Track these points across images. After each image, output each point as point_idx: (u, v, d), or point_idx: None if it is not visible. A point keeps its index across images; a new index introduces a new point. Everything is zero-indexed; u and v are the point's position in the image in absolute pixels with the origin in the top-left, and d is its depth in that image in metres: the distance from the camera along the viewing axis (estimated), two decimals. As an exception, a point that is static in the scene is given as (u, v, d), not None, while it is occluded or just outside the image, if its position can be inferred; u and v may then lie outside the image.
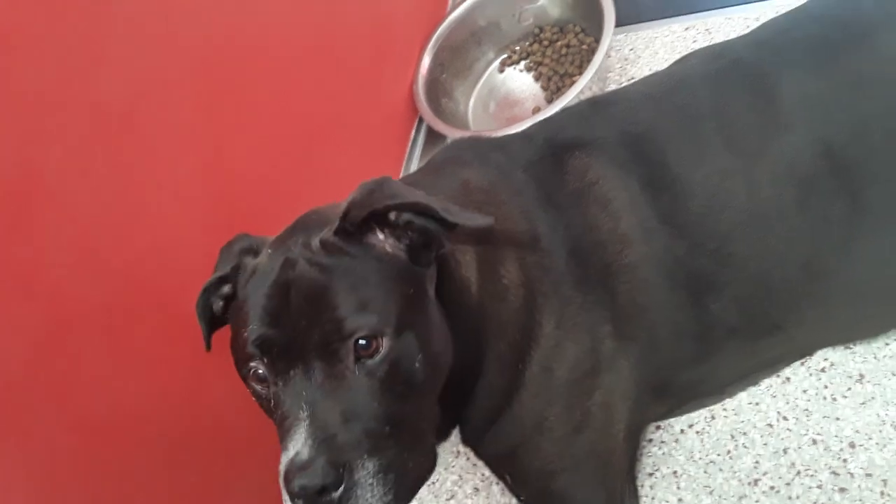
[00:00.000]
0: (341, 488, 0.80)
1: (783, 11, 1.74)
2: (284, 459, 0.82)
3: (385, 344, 0.86)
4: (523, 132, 1.25)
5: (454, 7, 2.19)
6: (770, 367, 1.33)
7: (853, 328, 1.28)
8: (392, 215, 0.91)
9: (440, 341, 0.95)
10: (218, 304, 1.01)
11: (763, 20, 1.82)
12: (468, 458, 1.55)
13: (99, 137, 1.11)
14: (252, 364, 0.89)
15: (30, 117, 1.01)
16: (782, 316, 1.15)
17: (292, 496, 0.80)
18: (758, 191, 1.08)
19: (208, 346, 1.04)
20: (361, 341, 0.85)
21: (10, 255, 0.97)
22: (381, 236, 0.94)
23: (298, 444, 0.81)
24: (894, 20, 1.11)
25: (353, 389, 0.85)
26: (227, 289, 1.00)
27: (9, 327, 0.97)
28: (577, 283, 1.06)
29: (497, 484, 1.48)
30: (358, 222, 0.91)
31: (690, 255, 1.09)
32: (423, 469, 0.91)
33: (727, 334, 1.14)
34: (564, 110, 1.30)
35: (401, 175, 1.97)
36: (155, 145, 1.21)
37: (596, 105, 1.25)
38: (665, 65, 1.97)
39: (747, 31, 1.83)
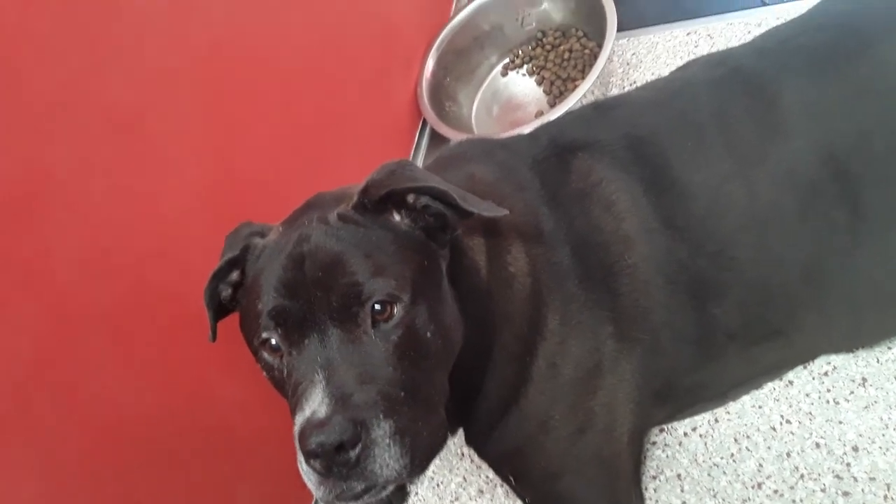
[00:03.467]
0: (359, 446, 0.80)
1: (784, 18, 1.75)
2: (300, 419, 0.82)
3: (400, 309, 0.87)
4: (529, 133, 1.26)
5: (458, 11, 2.20)
6: (772, 371, 1.34)
7: (853, 335, 1.28)
8: (410, 197, 0.94)
9: (451, 317, 0.97)
10: (226, 292, 1.03)
11: (764, 26, 1.83)
12: (472, 461, 1.55)
13: (106, 138, 1.11)
14: (265, 335, 0.90)
15: (37, 117, 1.01)
16: (782, 321, 1.16)
17: (309, 455, 0.80)
18: (759, 196, 1.09)
19: (213, 337, 1.05)
20: (377, 306, 0.86)
21: (17, 253, 0.97)
22: (397, 217, 0.95)
23: (315, 404, 0.81)
24: (894, 31, 1.11)
25: (368, 352, 0.86)
26: (235, 275, 1.01)
27: (15, 326, 0.97)
28: (580, 280, 1.08)
29: (501, 486, 1.49)
30: (376, 200, 0.93)
31: (692, 258, 1.10)
32: (437, 439, 0.91)
33: (728, 339, 1.15)
34: (569, 113, 1.32)
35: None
36: (162, 146, 1.22)
37: (599, 108, 1.26)
38: (667, 69, 1.98)
39: (749, 36, 1.84)
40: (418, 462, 0.85)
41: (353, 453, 0.80)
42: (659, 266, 1.10)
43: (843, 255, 1.10)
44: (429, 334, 0.90)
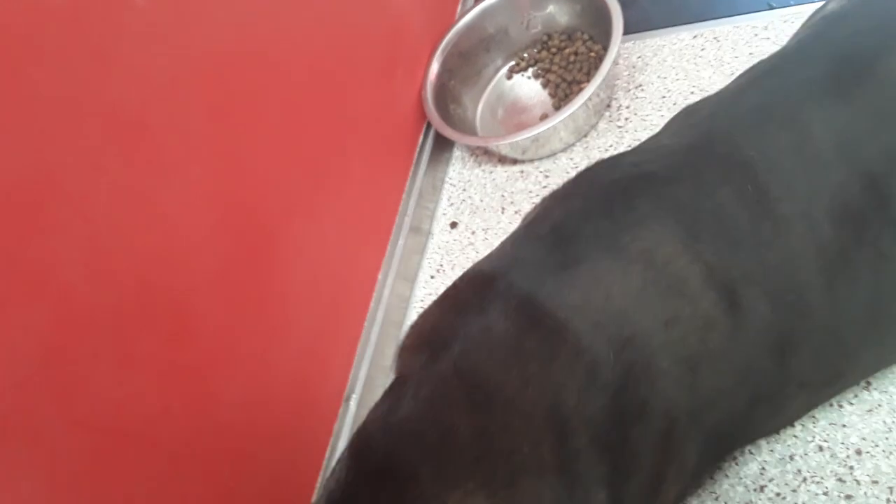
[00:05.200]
0: None
1: (790, 20, 1.74)
2: None
3: None
4: (549, 229, 1.09)
5: (463, 14, 2.20)
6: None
7: None
8: None
9: None
10: None
11: (770, 28, 1.83)
12: None
13: (111, 141, 1.12)
14: None
15: (41, 119, 1.02)
16: (847, 362, 1.13)
17: None
18: (821, 233, 1.03)
19: None
20: None
21: (20, 255, 0.98)
22: None
23: None
24: (890, 46, 1.09)
25: None
26: None
27: (19, 327, 0.98)
28: (622, 419, 0.95)
29: None
30: None
31: (774, 311, 1.03)
32: None
33: (799, 388, 1.11)
34: (585, 181, 1.17)
35: (407, 182, 1.98)
36: (166, 148, 1.22)
37: (617, 165, 1.16)
38: (673, 72, 1.98)
39: (755, 39, 1.84)
40: None
41: None
42: (743, 334, 1.01)
43: (893, 282, 1.07)
44: None
